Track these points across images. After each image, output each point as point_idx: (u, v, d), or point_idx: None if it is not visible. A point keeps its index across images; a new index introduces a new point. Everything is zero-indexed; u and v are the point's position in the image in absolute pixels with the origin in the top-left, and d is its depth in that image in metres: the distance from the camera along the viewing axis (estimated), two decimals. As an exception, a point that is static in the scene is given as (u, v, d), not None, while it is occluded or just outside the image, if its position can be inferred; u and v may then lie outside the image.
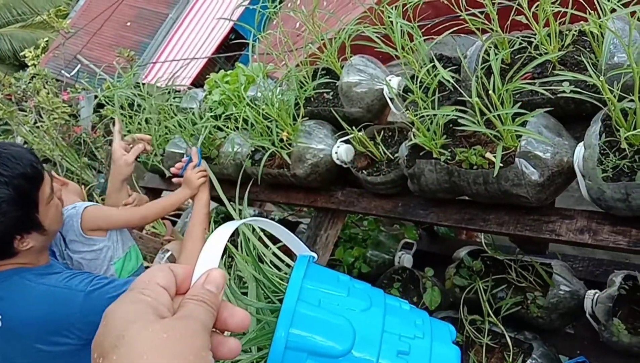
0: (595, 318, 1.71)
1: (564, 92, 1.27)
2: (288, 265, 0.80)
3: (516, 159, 1.26)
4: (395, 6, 1.52)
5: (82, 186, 3.68)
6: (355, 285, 0.73)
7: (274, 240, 0.79)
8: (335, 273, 0.74)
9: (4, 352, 1.50)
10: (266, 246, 0.82)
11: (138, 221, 1.93)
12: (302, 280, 0.67)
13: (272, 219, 2.52)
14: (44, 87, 4.51)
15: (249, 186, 1.24)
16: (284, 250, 0.82)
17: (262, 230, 0.80)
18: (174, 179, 1.99)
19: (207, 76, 2.38)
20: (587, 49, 1.34)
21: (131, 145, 1.99)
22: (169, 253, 2.20)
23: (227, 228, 0.58)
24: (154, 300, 0.50)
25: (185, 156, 2.10)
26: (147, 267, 2.09)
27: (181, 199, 1.96)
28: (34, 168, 1.42)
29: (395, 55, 1.57)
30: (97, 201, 3.27)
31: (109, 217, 1.86)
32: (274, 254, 0.81)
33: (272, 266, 0.79)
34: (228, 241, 0.57)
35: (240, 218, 0.76)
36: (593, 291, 1.75)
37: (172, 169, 2.00)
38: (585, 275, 2.05)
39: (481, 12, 1.44)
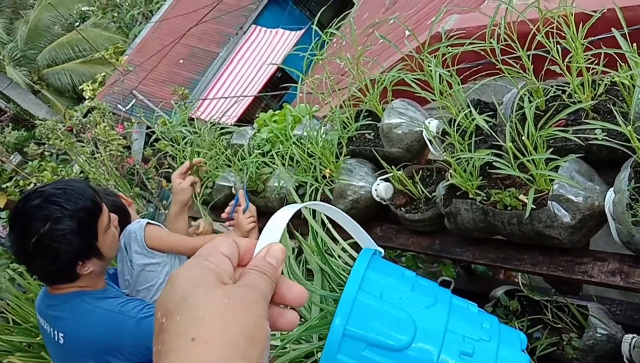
0: (633, 363, 1.71)
1: (595, 139, 1.33)
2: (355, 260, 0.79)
3: (549, 202, 1.32)
4: (435, 55, 1.62)
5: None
6: (420, 281, 0.71)
7: (344, 236, 0.79)
8: (400, 268, 0.73)
9: None
10: (335, 240, 0.82)
11: (185, 250, 2.05)
12: (364, 270, 0.67)
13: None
14: (102, 121, 4.80)
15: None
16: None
17: (332, 224, 0.81)
18: (227, 223, 2.12)
19: (256, 114, 2.53)
20: (620, 98, 1.40)
21: (189, 172, 2.16)
22: None
23: (290, 209, 0.60)
24: (217, 267, 0.52)
25: (234, 194, 2.21)
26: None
27: None
28: (94, 202, 1.58)
29: (434, 99, 1.66)
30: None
31: (163, 240, 2.00)
32: (343, 249, 0.81)
33: (340, 260, 0.80)
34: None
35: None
36: (631, 335, 1.74)
37: (223, 215, 2.13)
38: (623, 318, 2.04)
39: (517, 61, 1.52)
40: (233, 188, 2.46)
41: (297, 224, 0.62)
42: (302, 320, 0.73)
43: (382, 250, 0.74)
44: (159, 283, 2.00)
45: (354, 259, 0.82)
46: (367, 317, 0.63)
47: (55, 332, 1.58)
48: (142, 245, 1.96)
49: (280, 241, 0.58)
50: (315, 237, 0.81)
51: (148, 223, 2.01)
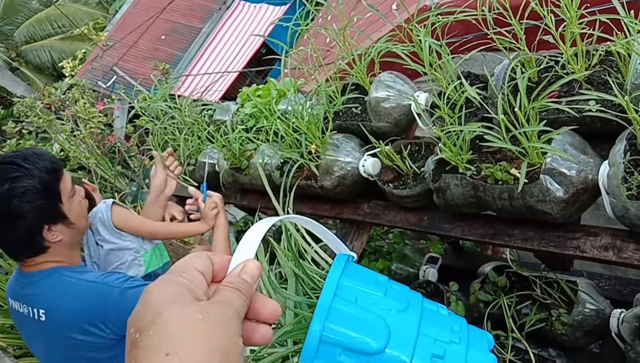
0: (621, 338, 1.70)
1: (589, 110, 1.29)
2: (329, 264, 0.81)
3: (541, 175, 1.29)
4: (424, 25, 1.57)
5: (115, 194, 3.81)
6: (393, 286, 0.73)
7: (317, 240, 0.81)
8: (374, 273, 0.74)
9: (45, 347, 1.59)
10: (308, 244, 0.83)
11: (147, 234, 2.03)
12: (339, 276, 0.68)
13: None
14: (82, 98, 4.67)
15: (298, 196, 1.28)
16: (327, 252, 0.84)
17: (306, 230, 0.83)
18: (192, 216, 2.08)
19: (240, 90, 2.46)
20: (614, 69, 1.36)
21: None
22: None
23: (265, 223, 0.60)
24: (191, 283, 0.52)
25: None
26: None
27: (198, 232, 2.07)
28: (53, 163, 1.55)
29: (423, 72, 1.61)
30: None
31: (126, 220, 1.98)
32: (315, 252, 0.82)
33: (313, 264, 0.81)
34: (272, 237, 0.60)
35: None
36: (619, 310, 1.74)
37: (187, 207, 2.10)
38: (611, 293, 2.04)
39: (509, 31, 1.47)
40: (216, 166, 2.40)
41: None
42: (277, 325, 0.72)
43: (354, 255, 0.75)
44: (128, 261, 1.98)
45: (327, 262, 0.83)
46: (343, 323, 0.65)
47: (35, 310, 1.53)
48: (108, 225, 1.93)
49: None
50: (289, 241, 0.82)
51: (114, 202, 1.98)
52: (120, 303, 1.47)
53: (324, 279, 0.69)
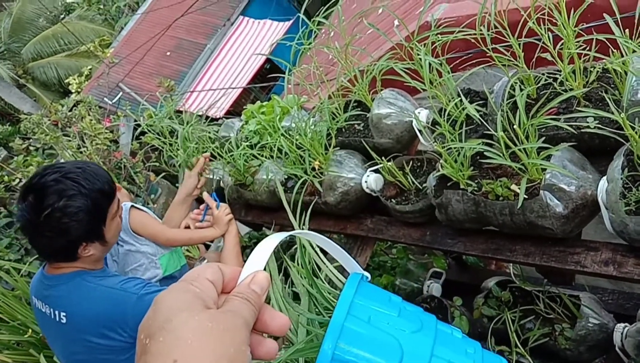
0: (625, 352, 1.70)
1: (587, 127, 1.31)
2: (343, 283, 0.80)
3: (541, 191, 1.30)
4: (424, 43, 1.59)
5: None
6: (406, 307, 0.73)
7: (331, 259, 0.80)
8: (387, 293, 0.74)
9: (69, 348, 1.63)
10: (322, 262, 0.83)
11: (163, 240, 2.08)
12: (353, 295, 0.68)
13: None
14: (88, 114, 4.72)
15: (312, 214, 1.30)
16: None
17: (321, 249, 0.84)
18: (197, 224, 2.14)
19: (244, 106, 2.49)
20: (612, 86, 1.38)
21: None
22: (205, 260, 2.31)
23: (276, 237, 0.61)
24: (202, 292, 0.53)
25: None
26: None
27: (211, 237, 2.13)
28: (110, 186, 1.61)
29: (424, 89, 1.63)
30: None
31: (144, 225, 2.03)
32: (330, 270, 0.82)
33: (327, 283, 0.81)
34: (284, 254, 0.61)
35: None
36: (623, 324, 1.74)
37: (192, 215, 2.17)
38: (614, 308, 2.03)
39: (507, 49, 1.50)
40: (220, 182, 2.42)
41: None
42: (289, 343, 0.73)
43: (368, 275, 0.75)
44: (145, 264, 2.02)
45: (341, 281, 0.83)
46: (356, 342, 0.64)
47: (57, 312, 1.58)
48: (126, 228, 1.98)
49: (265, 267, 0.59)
50: (303, 259, 0.82)
51: (132, 206, 2.02)
52: (137, 309, 1.50)
53: (338, 298, 0.69)
